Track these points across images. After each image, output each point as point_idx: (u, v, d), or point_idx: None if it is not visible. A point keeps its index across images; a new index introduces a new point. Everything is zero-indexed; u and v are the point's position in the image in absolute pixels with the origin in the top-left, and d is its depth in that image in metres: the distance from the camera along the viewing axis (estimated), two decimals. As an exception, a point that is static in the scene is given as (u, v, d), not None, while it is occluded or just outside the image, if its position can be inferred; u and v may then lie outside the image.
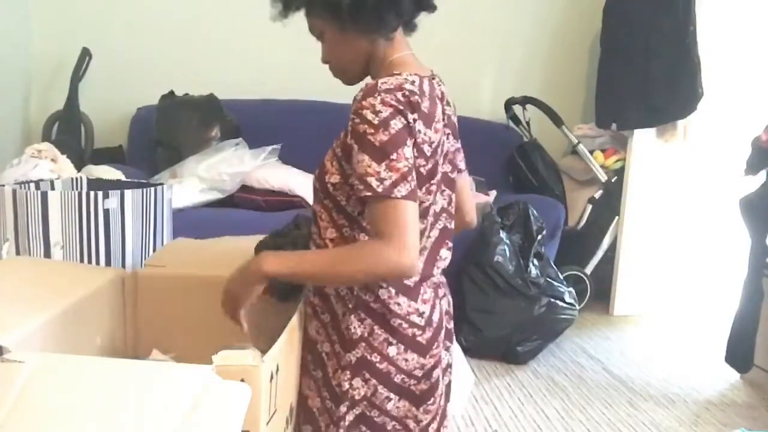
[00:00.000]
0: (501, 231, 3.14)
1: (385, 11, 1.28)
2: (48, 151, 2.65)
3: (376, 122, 1.19)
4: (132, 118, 3.75)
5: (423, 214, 1.30)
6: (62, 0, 3.79)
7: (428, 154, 1.27)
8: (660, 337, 3.62)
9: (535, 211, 3.25)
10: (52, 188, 2.32)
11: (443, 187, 1.37)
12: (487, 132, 4.01)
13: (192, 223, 2.93)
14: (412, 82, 1.25)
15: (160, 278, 1.57)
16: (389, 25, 1.30)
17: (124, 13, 3.83)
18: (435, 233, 1.36)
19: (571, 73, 4.26)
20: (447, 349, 1.42)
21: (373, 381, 1.29)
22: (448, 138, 1.37)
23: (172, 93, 3.66)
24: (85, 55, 3.68)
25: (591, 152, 3.82)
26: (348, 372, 1.29)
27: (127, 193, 2.13)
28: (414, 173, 1.22)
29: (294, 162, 3.50)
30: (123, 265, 2.13)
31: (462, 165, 1.48)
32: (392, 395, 1.31)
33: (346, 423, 1.29)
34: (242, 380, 1.01)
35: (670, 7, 3.60)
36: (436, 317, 1.34)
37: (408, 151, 1.21)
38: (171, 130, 3.56)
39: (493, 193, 3.72)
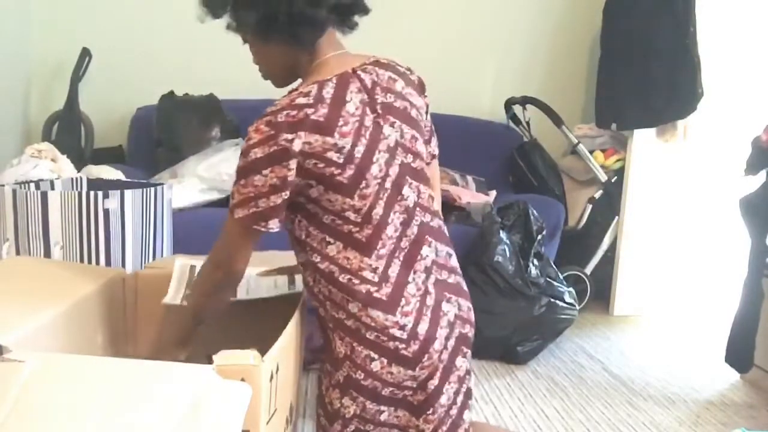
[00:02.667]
0: (501, 231, 3.14)
1: (299, 27, 1.27)
2: (48, 151, 2.65)
3: (243, 148, 1.25)
4: (132, 118, 3.75)
5: (366, 219, 1.27)
6: (62, 0, 3.79)
7: (340, 161, 1.24)
8: (660, 337, 3.62)
9: (535, 211, 3.25)
10: (52, 188, 2.32)
11: (408, 180, 1.33)
12: (487, 132, 4.01)
13: (192, 223, 2.93)
14: (306, 94, 1.24)
15: (160, 278, 1.57)
16: (305, 39, 1.30)
17: (124, 13, 3.83)
18: (413, 231, 1.32)
19: (571, 73, 4.26)
20: (464, 355, 1.38)
21: (361, 398, 1.28)
22: (393, 127, 1.31)
23: (172, 93, 3.66)
24: (85, 55, 3.68)
25: (591, 152, 3.82)
26: (337, 391, 1.29)
27: (127, 193, 2.13)
28: (264, 201, 1.24)
29: (294, 162, 3.49)
30: (123, 265, 2.13)
31: (435, 150, 1.46)
32: (383, 407, 1.29)
33: None
34: (242, 380, 1.01)
35: (670, 7, 3.60)
36: (423, 328, 1.29)
37: (260, 179, 1.24)
38: (171, 130, 3.56)
39: (493, 193, 3.72)
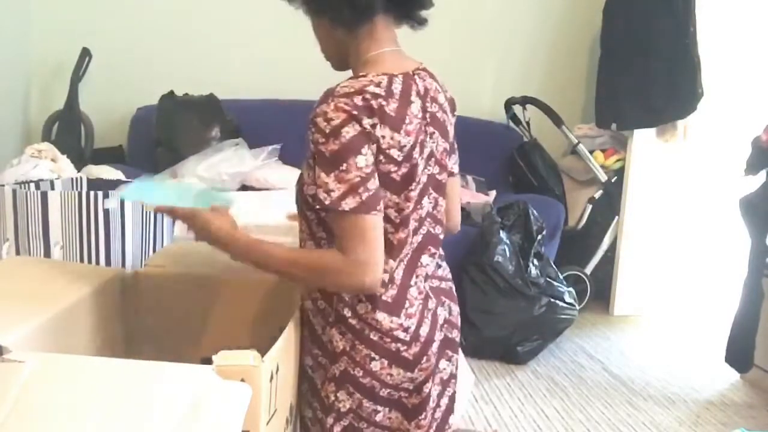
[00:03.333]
0: (501, 231, 3.14)
1: (341, 6, 1.24)
2: (48, 151, 2.65)
3: (327, 131, 1.16)
4: (132, 118, 3.75)
5: (404, 222, 1.26)
6: (62, 0, 3.79)
7: (399, 159, 1.22)
8: (660, 337, 3.62)
9: (535, 211, 3.25)
10: (52, 188, 2.32)
11: (430, 191, 1.31)
12: (487, 132, 4.01)
13: (192, 223, 2.93)
14: (378, 84, 1.20)
15: (159, 278, 1.57)
16: (346, 21, 1.26)
17: (124, 13, 3.83)
18: (417, 239, 1.31)
19: (571, 73, 4.26)
20: (449, 359, 1.37)
21: (358, 395, 1.27)
22: (431, 137, 1.30)
23: (172, 93, 3.66)
24: (85, 55, 3.68)
25: (591, 152, 3.82)
26: (333, 384, 1.28)
27: (127, 193, 2.13)
28: (372, 182, 1.18)
29: (294, 162, 3.50)
30: (123, 265, 2.13)
31: (455, 168, 1.42)
32: (379, 407, 1.28)
33: None
34: (242, 380, 1.01)
35: (670, 7, 3.60)
36: (424, 331, 1.28)
37: (362, 159, 1.17)
38: (171, 130, 3.56)
39: (493, 193, 3.72)
